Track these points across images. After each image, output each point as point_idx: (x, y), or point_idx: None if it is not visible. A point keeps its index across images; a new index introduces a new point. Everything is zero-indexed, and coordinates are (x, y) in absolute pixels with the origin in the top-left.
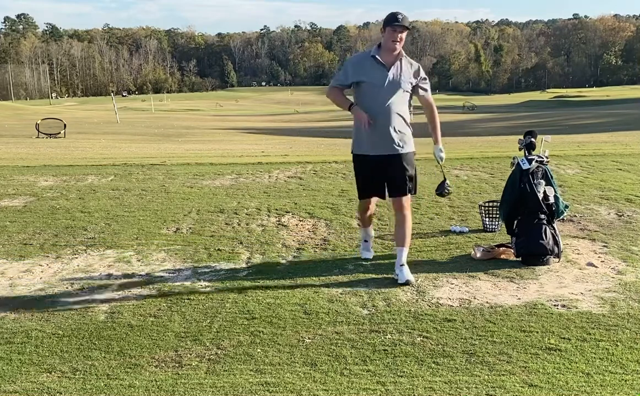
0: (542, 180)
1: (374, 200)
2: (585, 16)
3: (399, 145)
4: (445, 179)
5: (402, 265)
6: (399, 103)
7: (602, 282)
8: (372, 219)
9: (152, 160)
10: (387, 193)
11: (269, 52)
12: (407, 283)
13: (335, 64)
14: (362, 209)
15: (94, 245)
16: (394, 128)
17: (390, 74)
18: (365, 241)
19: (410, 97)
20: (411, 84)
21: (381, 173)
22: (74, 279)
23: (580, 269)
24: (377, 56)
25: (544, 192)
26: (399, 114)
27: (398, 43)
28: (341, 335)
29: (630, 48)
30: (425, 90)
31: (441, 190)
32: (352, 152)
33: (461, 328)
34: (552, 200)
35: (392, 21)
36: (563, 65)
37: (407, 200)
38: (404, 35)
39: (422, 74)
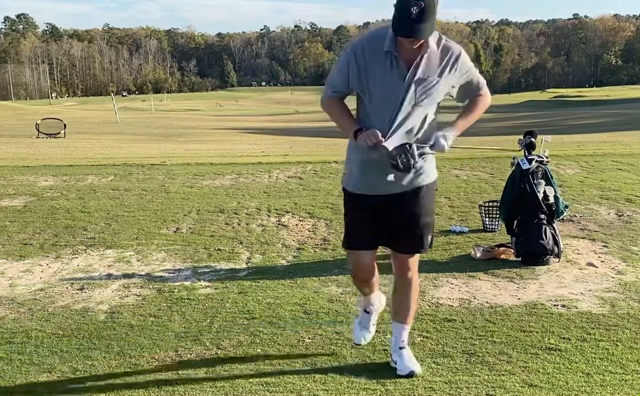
0: (542, 180)
1: (372, 256)
2: (585, 16)
3: (416, 177)
4: (407, 147)
5: (401, 348)
6: (424, 121)
7: (602, 282)
8: (374, 282)
9: (152, 160)
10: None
11: (269, 52)
12: (411, 374)
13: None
14: (355, 272)
15: (94, 245)
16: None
17: (414, 81)
18: (366, 311)
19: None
20: (449, 87)
21: (386, 217)
22: (74, 279)
23: (580, 269)
24: (394, 52)
25: (544, 192)
26: (422, 138)
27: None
28: (341, 335)
29: (630, 48)
30: (479, 89)
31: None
32: (342, 185)
33: (461, 328)
34: (552, 200)
35: (399, 32)
36: (563, 65)
37: (416, 259)
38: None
39: (464, 64)
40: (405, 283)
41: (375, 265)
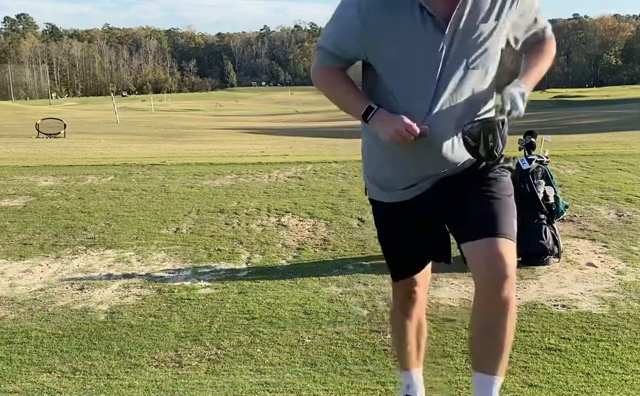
0: (542, 180)
1: (425, 275)
2: (585, 16)
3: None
4: (498, 123)
5: None
6: (476, 90)
7: (602, 282)
8: (421, 343)
9: (152, 160)
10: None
11: (269, 52)
12: None
13: None
14: (400, 306)
15: (94, 245)
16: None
17: (458, 32)
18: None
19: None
20: (510, 34)
21: (436, 211)
22: (74, 279)
23: (580, 269)
24: (422, 2)
25: (544, 192)
26: (474, 112)
27: None
28: (341, 335)
29: (630, 48)
30: (545, 33)
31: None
32: (366, 195)
33: (461, 328)
34: (552, 200)
35: None
36: (563, 65)
37: (511, 253)
38: None
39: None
40: (498, 306)
41: (424, 316)
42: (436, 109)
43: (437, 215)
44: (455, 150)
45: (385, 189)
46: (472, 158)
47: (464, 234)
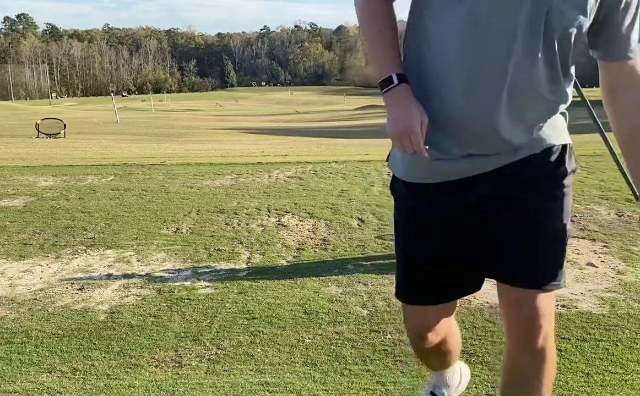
0: None
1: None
2: None
3: (531, 142)
4: None
5: None
6: (545, 58)
7: (602, 282)
8: (451, 348)
9: (152, 160)
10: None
11: (269, 52)
12: None
13: (335, 64)
14: (414, 329)
15: (94, 245)
16: (524, 114)
17: None
18: (434, 394)
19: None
20: (589, 13)
21: (474, 229)
22: (74, 279)
23: (580, 269)
24: None
25: None
26: (543, 84)
27: None
28: (341, 335)
29: None
30: (630, 43)
31: None
32: (392, 171)
33: (461, 328)
34: None
35: None
36: None
37: (549, 303)
38: None
39: None
40: (526, 352)
41: (454, 321)
42: (494, 75)
43: (474, 226)
44: (514, 130)
45: (413, 159)
46: (529, 146)
47: (499, 275)
